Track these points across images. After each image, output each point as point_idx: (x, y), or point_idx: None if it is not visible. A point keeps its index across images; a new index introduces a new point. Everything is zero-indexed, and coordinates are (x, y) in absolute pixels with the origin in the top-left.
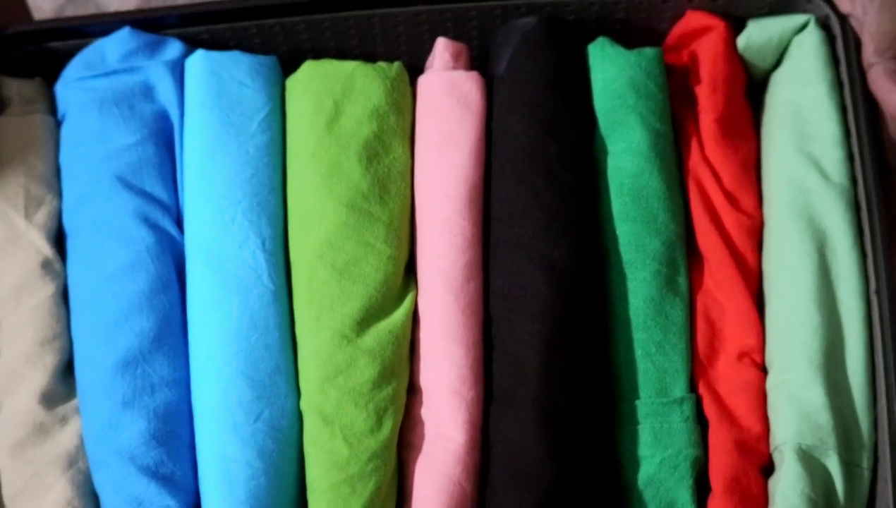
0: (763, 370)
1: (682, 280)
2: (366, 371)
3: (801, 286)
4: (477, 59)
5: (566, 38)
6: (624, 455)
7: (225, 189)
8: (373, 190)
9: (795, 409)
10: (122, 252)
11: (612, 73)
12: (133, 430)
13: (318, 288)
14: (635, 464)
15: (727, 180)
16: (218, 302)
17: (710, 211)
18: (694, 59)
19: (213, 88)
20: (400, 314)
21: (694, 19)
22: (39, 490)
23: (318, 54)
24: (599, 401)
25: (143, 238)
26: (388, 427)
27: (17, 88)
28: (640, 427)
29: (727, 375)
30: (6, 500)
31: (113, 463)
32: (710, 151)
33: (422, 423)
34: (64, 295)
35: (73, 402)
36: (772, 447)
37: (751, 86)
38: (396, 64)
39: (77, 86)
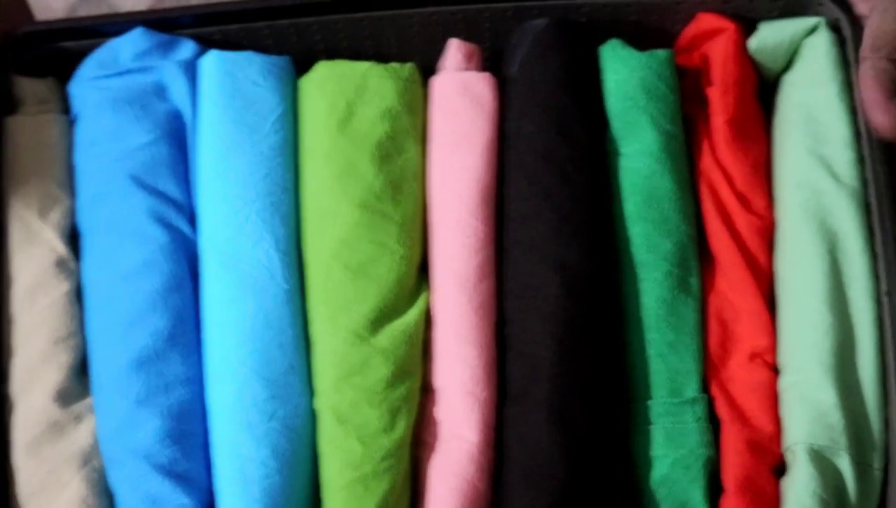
0: (775, 370)
1: (694, 281)
2: (380, 370)
3: (813, 287)
4: (489, 60)
5: (578, 39)
6: (637, 456)
7: (239, 188)
8: (386, 190)
9: (807, 410)
10: (137, 251)
11: (623, 74)
12: (148, 428)
13: (333, 288)
14: (648, 464)
15: (739, 181)
16: (232, 302)
17: (721, 212)
18: (705, 60)
19: (226, 88)
20: (413, 314)
21: (705, 21)
22: (54, 488)
23: (331, 55)
24: (612, 402)
25: (157, 237)
26: (402, 426)
27: (30, 88)
28: (652, 427)
29: (739, 376)
30: (21, 498)
31: (127, 462)
32: (721, 153)
33: (435, 423)
34: (78, 294)
35: (88, 400)
36: (784, 447)
37: (762, 89)
38: (409, 65)
39: (91, 85)
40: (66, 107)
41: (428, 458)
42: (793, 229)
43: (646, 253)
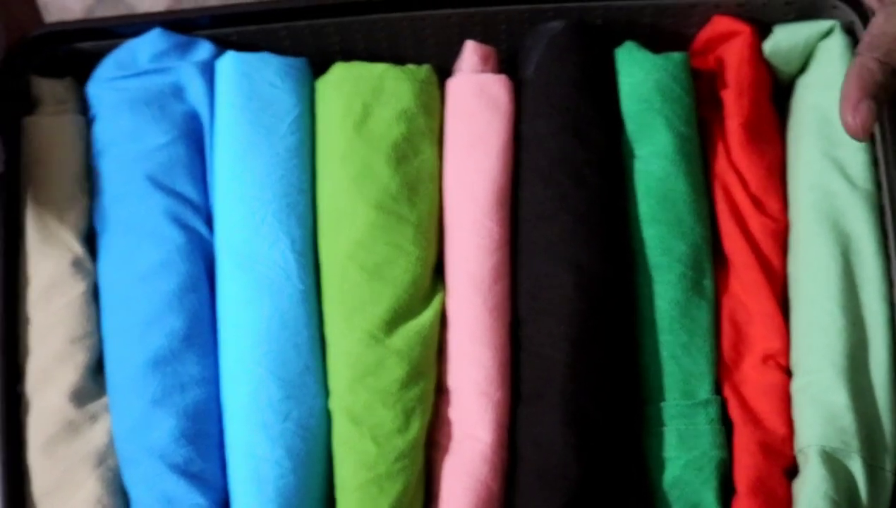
0: (788, 373)
1: (707, 283)
2: (394, 371)
3: (826, 289)
4: (505, 63)
5: (594, 42)
6: (649, 457)
7: (255, 189)
8: (402, 191)
9: (819, 412)
10: (153, 251)
11: (639, 76)
12: (163, 428)
13: (348, 289)
14: (661, 466)
15: (753, 184)
16: (248, 302)
17: (735, 214)
18: (720, 63)
19: (243, 89)
20: (428, 315)
21: (721, 24)
22: (69, 487)
23: (347, 56)
24: (626, 403)
25: (173, 238)
26: (416, 427)
27: (48, 88)
28: (665, 428)
29: (752, 378)
30: (36, 497)
31: (143, 461)
32: (736, 155)
33: (449, 423)
34: (94, 294)
35: (103, 400)
36: (796, 449)
37: (777, 91)
38: (426, 66)
39: (108, 86)
40: (83, 108)
41: (442, 459)
42: (806, 231)
43: (660, 255)
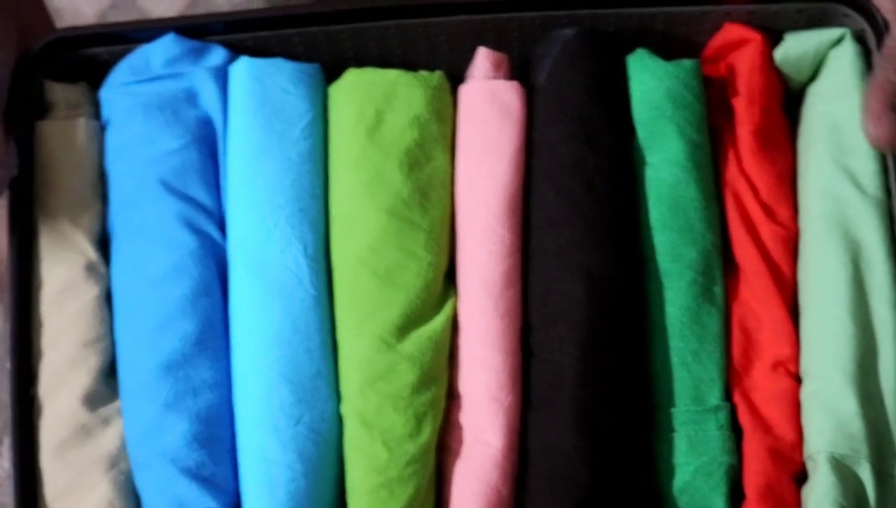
0: (797, 379)
1: (718, 289)
2: (406, 376)
3: (836, 296)
4: (517, 69)
5: (606, 49)
6: (659, 463)
7: (267, 194)
8: (414, 197)
9: (829, 418)
10: (166, 256)
11: (650, 84)
12: (175, 432)
13: (360, 294)
14: (670, 471)
15: (764, 191)
16: (260, 307)
17: (746, 221)
18: (731, 71)
19: (256, 95)
20: (440, 320)
21: (732, 32)
22: (81, 490)
23: (360, 62)
24: (636, 408)
25: (186, 242)
26: (428, 431)
27: (61, 93)
28: (675, 434)
29: (762, 384)
30: (48, 500)
31: (155, 465)
32: (746, 163)
33: (460, 428)
34: (108, 298)
35: (116, 404)
36: (805, 455)
37: (787, 99)
38: (438, 73)
39: (122, 91)
40: (97, 113)
41: (452, 463)
42: (816, 238)
43: (671, 261)
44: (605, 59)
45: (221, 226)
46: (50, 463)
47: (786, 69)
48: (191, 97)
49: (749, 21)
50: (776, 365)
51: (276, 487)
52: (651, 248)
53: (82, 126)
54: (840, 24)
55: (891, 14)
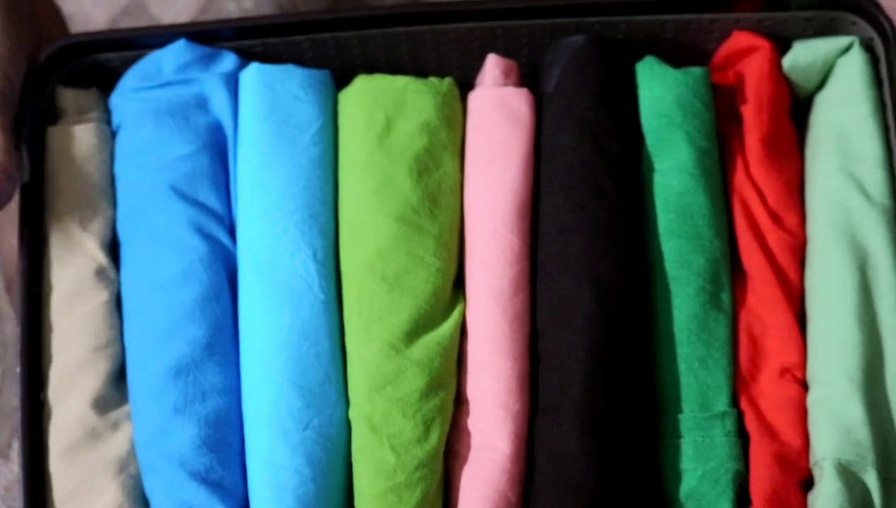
0: (804, 386)
1: (725, 296)
2: (414, 381)
3: (843, 303)
4: (527, 76)
5: (615, 56)
6: (666, 468)
7: (277, 200)
8: (423, 203)
9: (835, 425)
10: (176, 261)
11: (659, 91)
12: (184, 436)
13: (368, 300)
14: (677, 477)
15: (771, 199)
16: (269, 312)
17: (754, 229)
18: (740, 78)
19: (266, 101)
20: (448, 326)
21: (740, 40)
22: (90, 493)
23: (370, 69)
24: (643, 414)
25: (196, 247)
26: (435, 436)
27: (72, 98)
28: (682, 440)
29: (769, 390)
30: (57, 503)
31: (163, 468)
32: (754, 170)
33: (468, 433)
34: (117, 303)
35: (125, 408)
36: (811, 462)
37: (796, 107)
38: (448, 80)
39: (132, 96)
40: (108, 118)
41: (460, 468)
42: (823, 246)
43: (678, 268)
44: (614, 67)
45: (231, 232)
46: (59, 467)
47: (794, 77)
48: (201, 103)
49: (758, 29)
50: (783, 372)
51: (284, 491)
52: (659, 255)
53: (93, 131)
54: (848, 33)
55: None
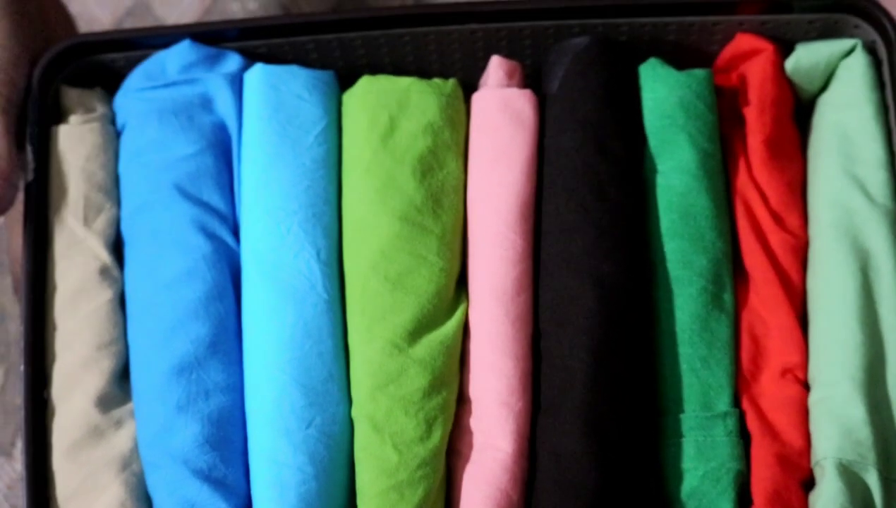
0: (806, 386)
1: (727, 297)
2: (416, 380)
3: (844, 304)
4: (530, 77)
5: (618, 57)
6: (667, 468)
7: (281, 200)
8: (426, 203)
9: (836, 425)
10: (180, 260)
11: (662, 92)
12: (187, 434)
13: (371, 299)
14: (678, 477)
15: (774, 200)
16: (273, 311)
17: (756, 230)
18: (743, 80)
19: (271, 101)
20: (451, 325)
21: (743, 42)
22: (93, 491)
23: (374, 70)
24: (644, 414)
25: (200, 246)
26: (438, 435)
27: (77, 98)
28: (683, 440)
29: (770, 391)
30: (60, 501)
31: (166, 466)
32: (757, 172)
33: (470, 432)
34: (121, 301)
35: (129, 406)
36: (813, 462)
37: (798, 109)
38: (451, 81)
39: (137, 96)
40: (112, 118)
41: (462, 467)
42: (825, 247)
43: (681, 269)
44: (617, 68)
45: (235, 231)
46: (62, 465)
47: (797, 79)
48: (206, 103)
49: (761, 31)
50: (785, 372)
51: (286, 490)
52: (661, 256)
53: (97, 131)
54: (851, 35)
55: None
